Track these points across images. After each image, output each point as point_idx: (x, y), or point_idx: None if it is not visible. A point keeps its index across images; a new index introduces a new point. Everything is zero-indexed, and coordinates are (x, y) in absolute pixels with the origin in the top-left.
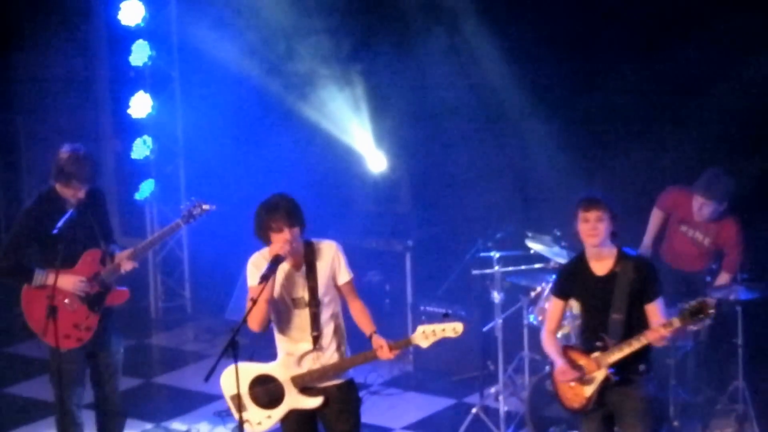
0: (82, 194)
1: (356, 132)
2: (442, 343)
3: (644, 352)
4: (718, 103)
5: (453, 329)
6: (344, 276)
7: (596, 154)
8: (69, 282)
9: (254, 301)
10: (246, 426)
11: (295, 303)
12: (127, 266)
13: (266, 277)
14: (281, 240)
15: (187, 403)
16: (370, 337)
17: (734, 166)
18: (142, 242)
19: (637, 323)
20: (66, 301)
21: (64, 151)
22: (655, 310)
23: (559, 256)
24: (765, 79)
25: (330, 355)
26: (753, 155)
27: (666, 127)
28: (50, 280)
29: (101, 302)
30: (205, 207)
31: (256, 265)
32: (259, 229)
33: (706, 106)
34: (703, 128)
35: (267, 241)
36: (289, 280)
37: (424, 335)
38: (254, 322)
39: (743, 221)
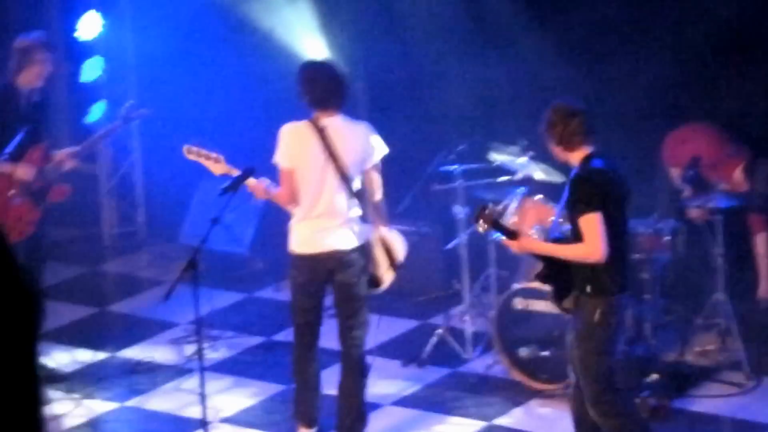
0: (50, 67)
1: (310, 41)
2: (407, 264)
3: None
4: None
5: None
6: None
7: (567, 62)
8: (19, 172)
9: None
10: None
11: None
12: (68, 164)
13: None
14: None
15: (143, 331)
16: None
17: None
18: (84, 142)
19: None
20: (11, 192)
21: (22, 38)
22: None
23: (526, 168)
24: None
25: None
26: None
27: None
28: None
29: (44, 197)
30: (142, 111)
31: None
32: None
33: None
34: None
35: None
36: None
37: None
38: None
39: None
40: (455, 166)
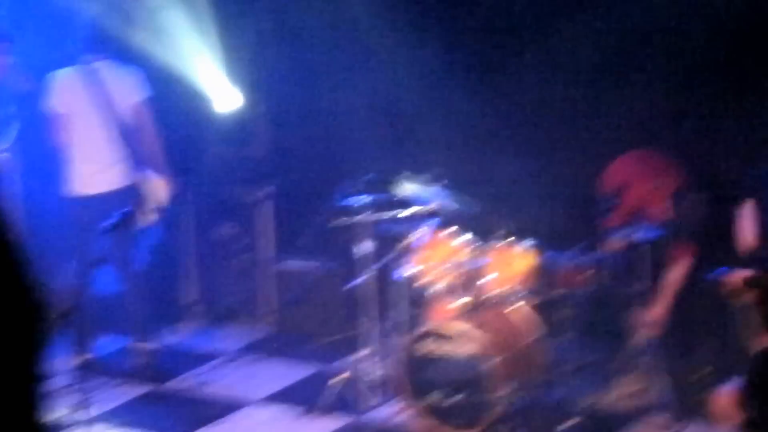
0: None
1: (205, 65)
2: (308, 304)
3: None
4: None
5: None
6: None
7: (476, 88)
8: None
9: None
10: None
11: None
12: None
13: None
14: None
15: None
16: None
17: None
18: None
19: None
20: None
21: None
22: None
23: (439, 198)
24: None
25: None
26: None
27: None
28: None
29: None
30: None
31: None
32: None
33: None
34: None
35: None
36: None
37: None
38: None
39: None
40: (361, 197)
